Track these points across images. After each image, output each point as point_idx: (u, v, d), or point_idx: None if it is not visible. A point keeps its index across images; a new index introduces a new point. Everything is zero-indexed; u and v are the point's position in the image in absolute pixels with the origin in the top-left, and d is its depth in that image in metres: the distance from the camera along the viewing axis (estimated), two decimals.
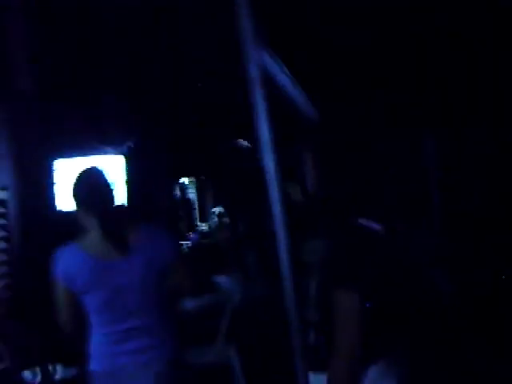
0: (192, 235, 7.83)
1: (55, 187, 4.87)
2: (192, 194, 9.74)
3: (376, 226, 1.83)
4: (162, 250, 2.51)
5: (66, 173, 4.93)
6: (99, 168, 2.64)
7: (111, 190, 2.56)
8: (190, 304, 3.80)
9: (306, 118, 2.15)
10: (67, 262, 2.45)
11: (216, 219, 8.59)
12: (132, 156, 5.30)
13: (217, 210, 8.76)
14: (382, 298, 1.75)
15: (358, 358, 1.72)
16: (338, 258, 1.70)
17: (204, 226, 9.00)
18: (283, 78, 2.13)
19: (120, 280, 2.40)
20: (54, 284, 2.47)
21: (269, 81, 1.95)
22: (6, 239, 4.24)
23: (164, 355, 2.47)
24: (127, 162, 5.14)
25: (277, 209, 1.55)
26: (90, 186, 2.52)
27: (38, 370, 3.71)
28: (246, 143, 6.76)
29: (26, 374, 3.81)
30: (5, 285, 4.17)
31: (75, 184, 2.57)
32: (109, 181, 2.59)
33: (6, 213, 4.28)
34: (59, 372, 3.93)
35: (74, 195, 2.55)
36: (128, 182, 5.03)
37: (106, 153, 5.10)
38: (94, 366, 2.49)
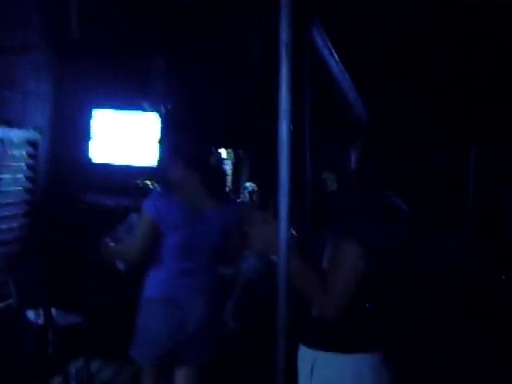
0: None
1: (91, 136, 4.88)
2: (227, 166, 9.61)
3: (401, 203, 1.85)
4: (232, 212, 2.99)
5: (103, 124, 4.96)
6: None
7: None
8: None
9: (356, 114, 2.20)
10: (162, 204, 2.84)
11: (247, 195, 8.47)
12: (167, 117, 5.26)
13: (249, 185, 8.61)
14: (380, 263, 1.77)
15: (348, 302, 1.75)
16: (354, 211, 1.75)
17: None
18: (337, 70, 2.17)
19: (201, 227, 2.86)
20: (142, 216, 2.85)
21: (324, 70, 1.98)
22: (31, 179, 4.28)
23: (211, 294, 2.92)
24: (162, 122, 5.10)
25: (284, 182, 1.51)
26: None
27: (41, 311, 3.77)
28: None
29: (30, 313, 3.88)
30: (22, 224, 4.23)
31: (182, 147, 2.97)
32: None
33: (36, 154, 4.31)
34: (62, 317, 3.99)
35: (181, 156, 2.92)
36: (161, 142, 5.00)
37: (143, 110, 5.07)
38: (151, 292, 2.88)
